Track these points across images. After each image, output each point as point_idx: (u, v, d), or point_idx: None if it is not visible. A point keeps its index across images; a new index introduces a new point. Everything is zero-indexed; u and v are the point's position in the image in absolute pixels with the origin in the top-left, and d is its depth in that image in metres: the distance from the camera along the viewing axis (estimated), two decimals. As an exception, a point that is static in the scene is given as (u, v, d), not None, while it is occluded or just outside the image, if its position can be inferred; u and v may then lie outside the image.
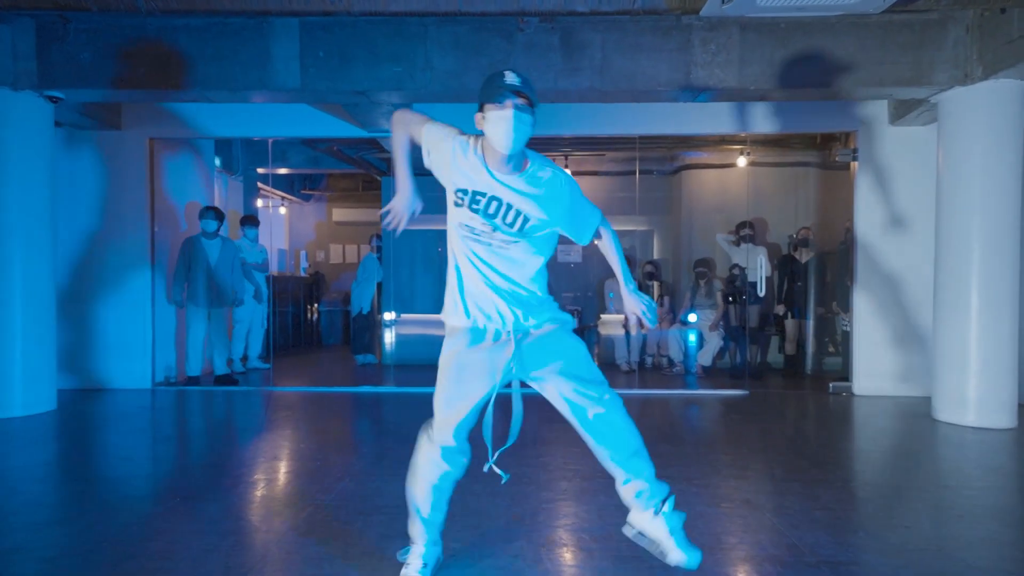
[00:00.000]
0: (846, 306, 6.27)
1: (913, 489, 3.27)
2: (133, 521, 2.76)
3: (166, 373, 6.30)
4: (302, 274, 10.68)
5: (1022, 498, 3.20)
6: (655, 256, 8.45)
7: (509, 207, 1.93)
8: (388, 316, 8.01)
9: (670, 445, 4.00)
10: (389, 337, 7.94)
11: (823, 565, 2.33)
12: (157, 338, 6.10)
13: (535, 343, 2.04)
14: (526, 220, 1.95)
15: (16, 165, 4.70)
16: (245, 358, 7.32)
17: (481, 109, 1.89)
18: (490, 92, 1.85)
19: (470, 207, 1.95)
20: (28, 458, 3.80)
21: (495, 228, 1.94)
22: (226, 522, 2.74)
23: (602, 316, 7.70)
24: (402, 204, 2.09)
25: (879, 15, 4.46)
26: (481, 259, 1.99)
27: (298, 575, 2.26)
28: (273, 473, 3.46)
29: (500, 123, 1.83)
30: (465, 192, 1.95)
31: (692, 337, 7.29)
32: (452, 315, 2.06)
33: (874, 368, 5.72)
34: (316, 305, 10.40)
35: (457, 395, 2.03)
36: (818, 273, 7.01)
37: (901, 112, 5.45)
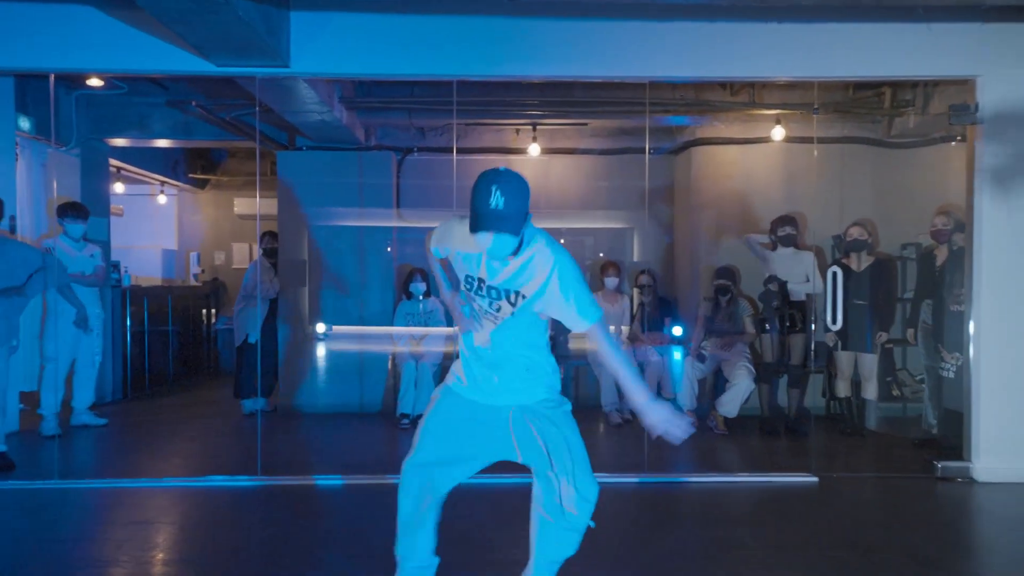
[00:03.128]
0: (948, 342, 4.27)
1: None
2: None
3: None
4: (193, 282, 8.30)
5: None
6: (646, 260, 6.34)
7: (509, 292, 2.00)
8: (320, 328, 5.83)
9: None
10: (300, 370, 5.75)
11: None
12: None
13: (529, 434, 2.05)
14: (524, 298, 2.01)
15: None
16: (66, 411, 4.96)
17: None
18: (473, 218, 1.87)
19: (478, 292, 2.05)
20: None
21: (499, 309, 2.03)
22: None
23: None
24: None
25: None
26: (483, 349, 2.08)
27: None
28: None
29: (482, 244, 1.92)
30: (472, 278, 2.05)
31: (677, 355, 5.28)
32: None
33: (1008, 439, 3.74)
34: (214, 322, 8.05)
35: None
36: (881, 287, 5.00)
37: (1061, 44, 3.48)
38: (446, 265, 2.19)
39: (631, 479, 3.79)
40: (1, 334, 3.95)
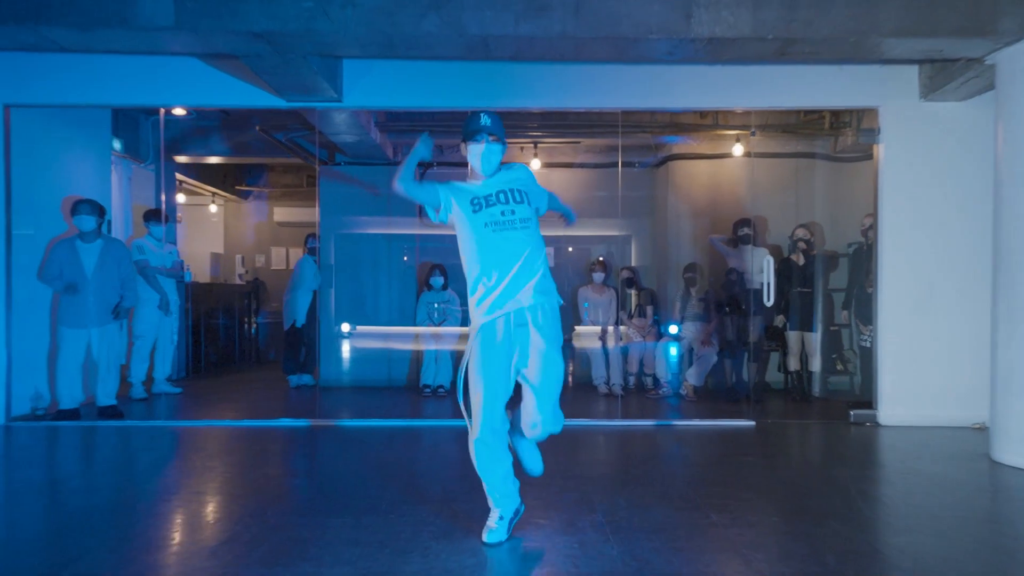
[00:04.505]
0: (866, 317, 5.28)
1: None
2: None
3: (33, 404, 5.02)
4: (238, 281, 9.41)
5: None
6: (633, 261, 7.40)
7: (510, 192, 2.56)
8: (344, 328, 6.86)
9: (670, 509, 2.91)
10: (332, 352, 6.77)
11: None
12: (18, 360, 4.83)
13: (533, 347, 2.51)
14: (524, 195, 2.58)
15: None
16: (150, 381, 6.05)
17: (463, 142, 2.61)
18: (468, 132, 2.58)
19: (487, 206, 2.52)
20: None
21: (514, 210, 2.52)
22: None
23: (576, 328, 6.61)
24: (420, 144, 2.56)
25: (930, -55, 3.48)
26: (505, 248, 2.50)
27: None
28: (120, 566, 2.27)
29: (476, 155, 2.57)
30: (478, 197, 2.54)
31: (673, 351, 6.26)
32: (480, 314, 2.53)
33: (904, 392, 4.71)
34: (255, 317, 9.15)
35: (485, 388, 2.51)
36: (824, 277, 6.01)
37: (937, 83, 4.49)
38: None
39: (610, 422, 4.81)
40: (108, 315, 5.02)
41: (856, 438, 4.44)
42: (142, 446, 4.24)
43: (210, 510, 2.96)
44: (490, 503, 2.57)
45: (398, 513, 2.84)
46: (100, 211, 4.99)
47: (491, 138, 2.52)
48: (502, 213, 2.49)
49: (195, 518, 2.86)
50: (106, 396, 5.05)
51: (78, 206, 4.90)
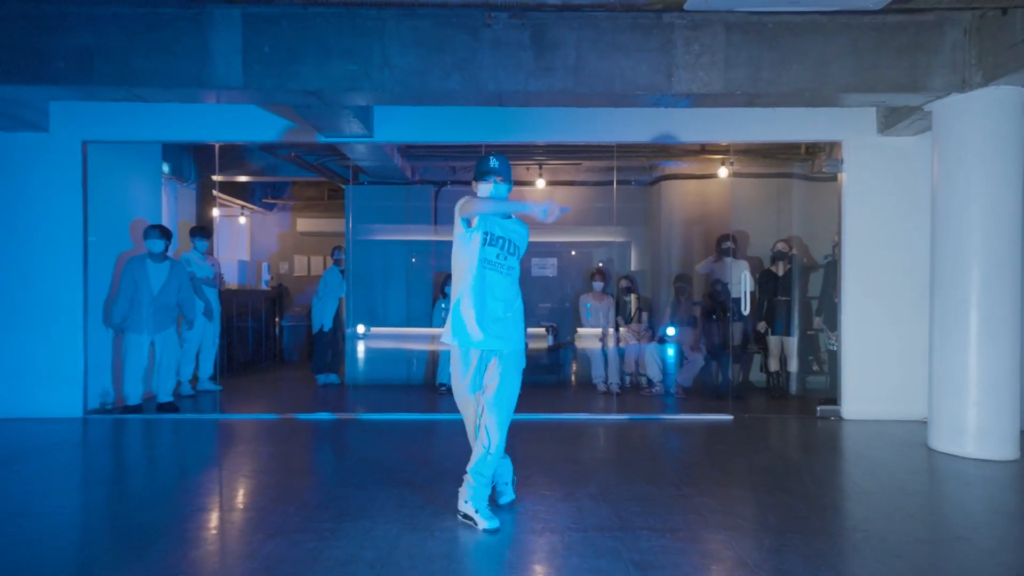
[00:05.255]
0: (833, 323, 5.96)
1: (928, 542, 2.90)
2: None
3: (102, 399, 5.74)
4: (264, 287, 10.14)
5: (1044, 549, 2.86)
6: (633, 266, 8.11)
7: (509, 243, 3.07)
8: (359, 329, 7.55)
9: (651, 485, 3.60)
10: (355, 353, 7.47)
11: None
12: (92, 362, 5.55)
13: (491, 368, 3.07)
14: (517, 249, 3.11)
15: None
16: (195, 380, 6.77)
17: (475, 180, 3.15)
18: (479, 173, 3.13)
19: (490, 244, 3.03)
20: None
21: (506, 257, 3.06)
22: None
23: (579, 330, 7.31)
24: (547, 204, 2.92)
25: (872, 16, 4.16)
26: (490, 284, 3.03)
27: None
28: (192, 527, 2.98)
29: (486, 193, 3.09)
30: (492, 235, 3.04)
31: (671, 351, 6.94)
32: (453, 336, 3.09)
33: (864, 390, 5.40)
34: (279, 320, 9.87)
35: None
36: (801, 287, 6.71)
37: (891, 121, 5.17)
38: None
39: (605, 416, 5.51)
40: (169, 324, 5.74)
41: (820, 430, 5.12)
42: (204, 436, 4.95)
43: (277, 484, 3.66)
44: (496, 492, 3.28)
45: (433, 487, 3.53)
46: (167, 235, 5.71)
47: (498, 179, 3.04)
48: (497, 256, 3.00)
49: (266, 490, 3.56)
50: (165, 394, 5.77)
51: (149, 231, 5.62)
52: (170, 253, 5.84)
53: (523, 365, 3.09)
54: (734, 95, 4.31)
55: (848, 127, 5.39)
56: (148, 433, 5.04)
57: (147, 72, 4.11)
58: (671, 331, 6.93)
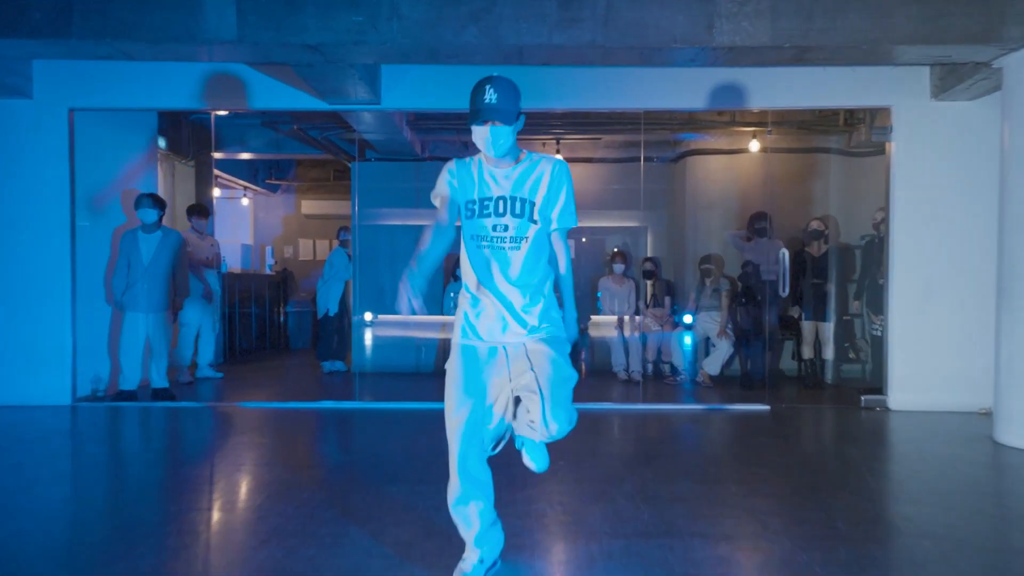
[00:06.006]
0: (877, 307, 5.52)
1: (1010, 552, 2.49)
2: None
3: (94, 386, 5.39)
4: (268, 272, 9.78)
5: None
6: (649, 252, 7.66)
7: (514, 199, 2.09)
8: (367, 317, 7.17)
9: (694, 483, 3.20)
10: (362, 340, 7.09)
11: None
12: (82, 345, 5.19)
13: (520, 354, 2.13)
14: (532, 204, 2.09)
15: None
16: (194, 366, 6.41)
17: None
18: (471, 114, 2.06)
19: (481, 214, 2.10)
20: None
21: (507, 225, 2.08)
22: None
23: (592, 318, 6.90)
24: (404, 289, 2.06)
25: (941, -43, 3.70)
26: (495, 270, 2.10)
27: None
28: (175, 531, 2.61)
29: (480, 139, 2.08)
30: (473, 201, 2.11)
31: (688, 340, 6.51)
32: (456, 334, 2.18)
33: (913, 379, 4.96)
34: (283, 306, 9.52)
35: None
36: (838, 269, 6.25)
37: (947, 84, 4.70)
38: (441, 226, 2.11)
39: (631, 406, 5.10)
40: (160, 303, 5.36)
41: (866, 422, 4.70)
42: (199, 426, 4.58)
43: (275, 481, 3.28)
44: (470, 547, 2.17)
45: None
46: (161, 204, 5.33)
47: (495, 123, 2.02)
48: (494, 228, 2.07)
49: (263, 487, 3.19)
50: (160, 379, 5.41)
51: (141, 199, 5.24)
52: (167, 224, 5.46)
53: (567, 349, 2.17)
54: (782, 48, 3.86)
55: (898, 91, 4.92)
56: (139, 423, 4.68)
57: (131, 24, 3.70)
58: (688, 318, 6.51)
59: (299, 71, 4.34)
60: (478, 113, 2.03)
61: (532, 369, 2.07)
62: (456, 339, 2.16)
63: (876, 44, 3.85)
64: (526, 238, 2.08)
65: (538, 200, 2.08)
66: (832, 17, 3.79)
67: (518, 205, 2.07)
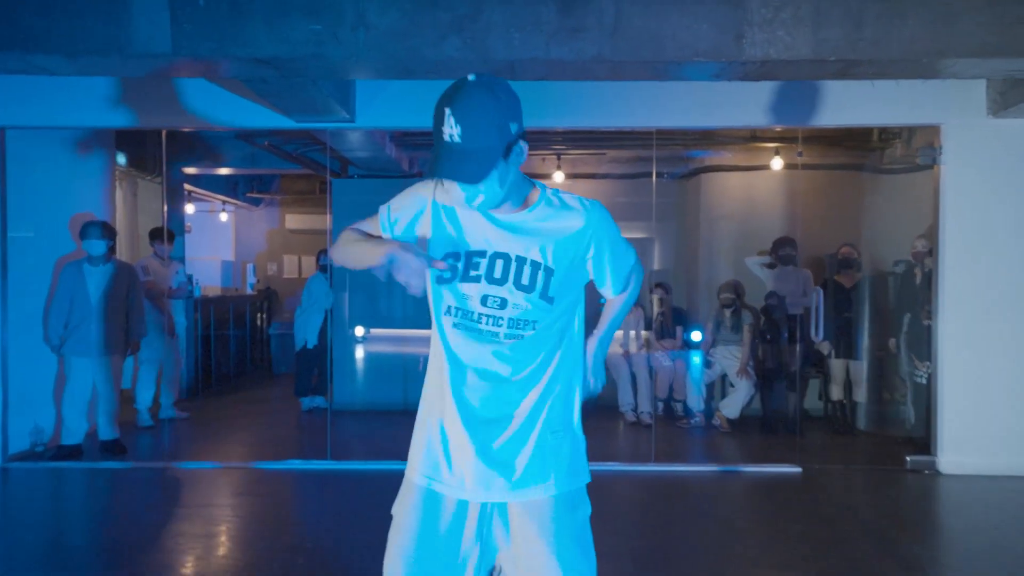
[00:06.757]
0: (921, 352, 4.86)
1: None
2: None
3: (33, 439, 4.77)
4: (249, 291, 9.16)
5: None
6: (661, 276, 7.00)
7: (522, 261, 1.34)
8: (358, 332, 6.57)
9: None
10: (343, 374, 6.48)
11: None
12: (19, 392, 4.58)
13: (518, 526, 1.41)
14: (549, 274, 1.34)
15: None
16: (156, 406, 5.79)
17: None
18: (430, 159, 1.29)
19: (466, 277, 1.36)
20: None
21: (504, 300, 1.35)
22: None
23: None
24: (408, 264, 1.27)
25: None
26: (470, 362, 1.39)
27: None
28: None
29: (452, 194, 1.36)
30: (457, 257, 1.37)
31: (696, 359, 5.88)
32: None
33: (967, 437, 4.32)
34: (266, 327, 8.91)
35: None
36: (871, 301, 5.60)
37: (1012, 99, 4.05)
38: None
39: (641, 468, 4.47)
40: (111, 346, 4.75)
41: (914, 489, 4.07)
42: (144, 495, 3.97)
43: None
44: None
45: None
46: (111, 233, 4.74)
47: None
48: (483, 300, 1.37)
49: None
50: (108, 429, 4.79)
51: (87, 229, 4.63)
52: (140, 257, 4.86)
53: (585, 515, 1.52)
54: (826, 62, 3.22)
55: (950, 107, 4.28)
56: (73, 488, 4.07)
57: (43, 34, 3.08)
58: (696, 335, 5.87)
59: (253, 87, 3.72)
60: (435, 163, 1.26)
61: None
62: (412, 471, 1.48)
63: (939, 56, 3.20)
64: (531, 323, 1.37)
65: (559, 267, 1.36)
66: (886, 25, 3.15)
67: (526, 272, 1.34)
